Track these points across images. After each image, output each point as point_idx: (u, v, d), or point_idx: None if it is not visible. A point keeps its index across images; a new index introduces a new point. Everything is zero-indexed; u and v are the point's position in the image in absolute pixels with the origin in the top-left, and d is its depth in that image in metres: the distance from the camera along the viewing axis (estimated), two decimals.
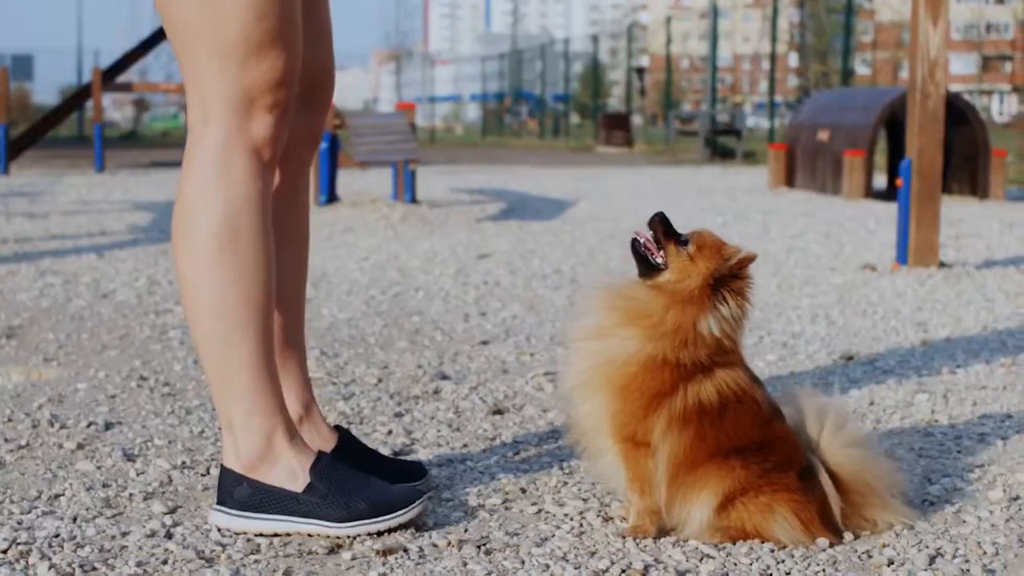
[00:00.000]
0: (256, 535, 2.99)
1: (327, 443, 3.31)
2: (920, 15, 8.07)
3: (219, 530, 3.02)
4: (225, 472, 3.05)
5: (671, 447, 2.98)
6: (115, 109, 63.92)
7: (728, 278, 3.00)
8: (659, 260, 3.03)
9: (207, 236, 2.95)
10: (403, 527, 3.03)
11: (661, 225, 3.06)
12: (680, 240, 3.04)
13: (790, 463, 3.00)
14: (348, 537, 2.98)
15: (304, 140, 3.29)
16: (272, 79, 2.96)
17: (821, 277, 7.95)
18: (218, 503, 3.06)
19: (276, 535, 3.00)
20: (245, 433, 3.01)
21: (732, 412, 2.99)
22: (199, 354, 3.04)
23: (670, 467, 2.98)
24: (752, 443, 2.98)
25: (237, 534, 2.99)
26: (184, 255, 2.99)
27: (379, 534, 3.00)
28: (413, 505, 3.03)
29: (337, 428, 3.39)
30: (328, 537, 2.99)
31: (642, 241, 3.06)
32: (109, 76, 22.09)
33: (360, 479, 3.04)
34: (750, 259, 3.02)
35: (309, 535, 2.99)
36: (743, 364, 3.08)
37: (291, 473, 3.01)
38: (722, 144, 29.49)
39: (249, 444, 3.01)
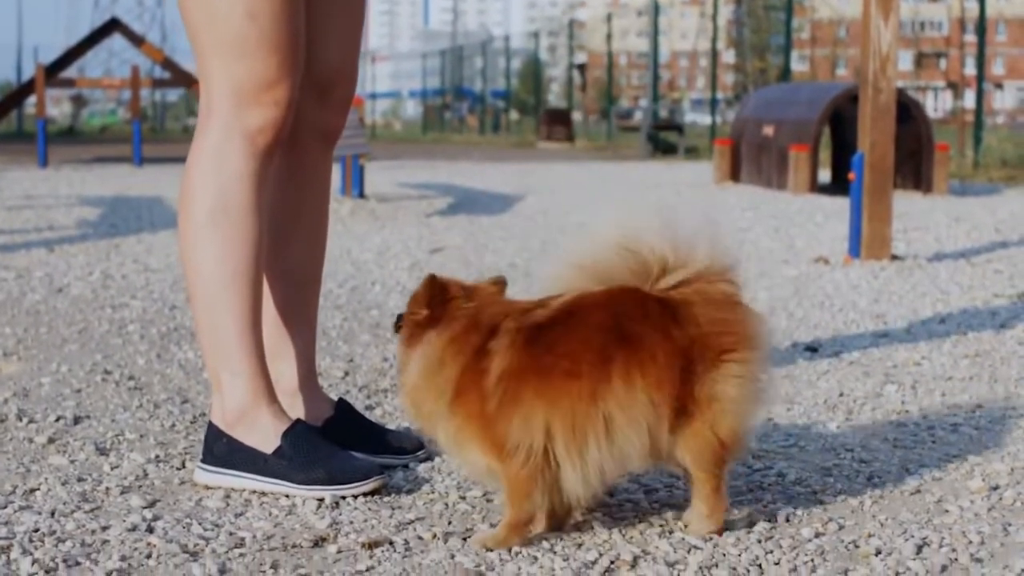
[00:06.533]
0: (232, 489, 3.24)
1: (323, 414, 3.53)
2: (872, 11, 8.10)
3: (200, 524, 2.99)
4: (210, 428, 3.31)
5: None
6: (52, 105, 63.26)
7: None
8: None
9: (201, 212, 3.24)
10: (390, 521, 3.02)
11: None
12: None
13: None
14: (303, 499, 3.17)
15: (315, 134, 3.52)
16: (266, 76, 3.21)
17: (775, 270, 7.97)
18: (202, 460, 3.32)
19: (254, 493, 3.24)
20: (230, 392, 3.27)
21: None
22: (194, 319, 3.32)
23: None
24: None
25: (218, 526, 2.97)
26: (184, 229, 3.29)
27: (365, 525, 2.98)
28: (367, 480, 3.20)
29: (339, 401, 3.60)
30: (288, 496, 3.20)
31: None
32: (52, 72, 21.93)
33: (326, 450, 3.25)
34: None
35: (274, 495, 3.22)
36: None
37: (265, 435, 3.25)
38: (664, 140, 29.51)
39: (232, 403, 3.27)
